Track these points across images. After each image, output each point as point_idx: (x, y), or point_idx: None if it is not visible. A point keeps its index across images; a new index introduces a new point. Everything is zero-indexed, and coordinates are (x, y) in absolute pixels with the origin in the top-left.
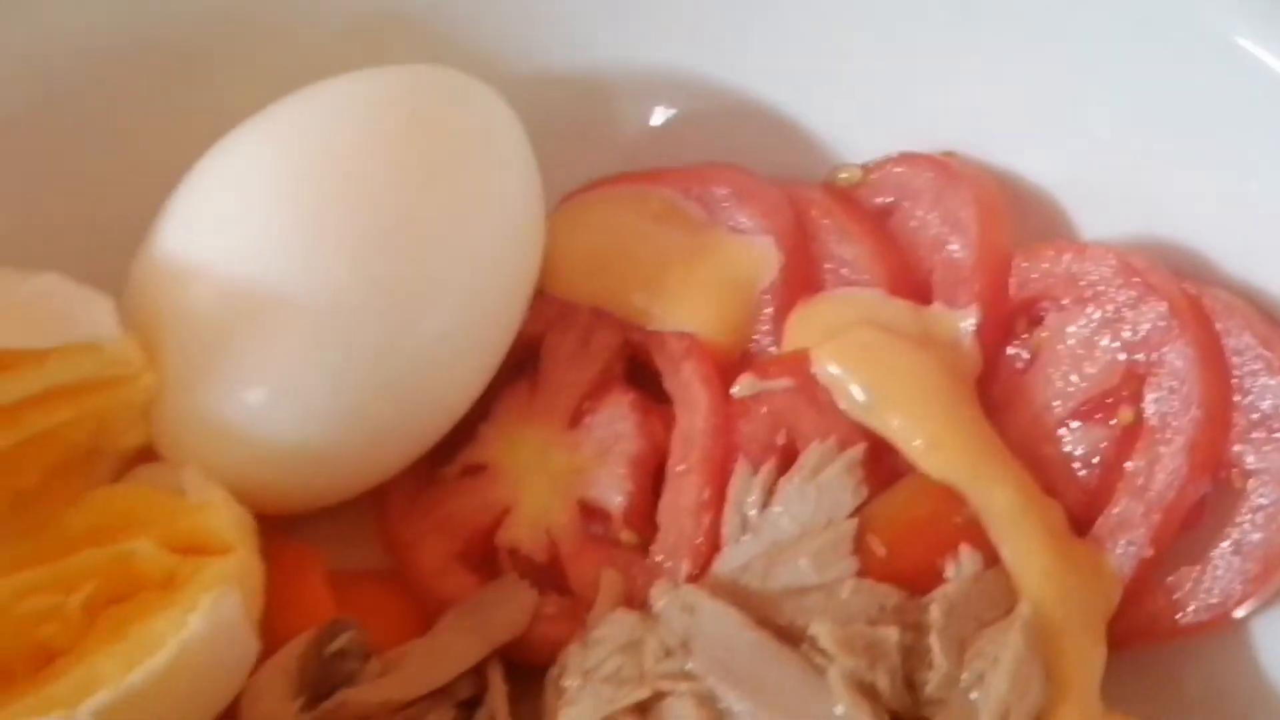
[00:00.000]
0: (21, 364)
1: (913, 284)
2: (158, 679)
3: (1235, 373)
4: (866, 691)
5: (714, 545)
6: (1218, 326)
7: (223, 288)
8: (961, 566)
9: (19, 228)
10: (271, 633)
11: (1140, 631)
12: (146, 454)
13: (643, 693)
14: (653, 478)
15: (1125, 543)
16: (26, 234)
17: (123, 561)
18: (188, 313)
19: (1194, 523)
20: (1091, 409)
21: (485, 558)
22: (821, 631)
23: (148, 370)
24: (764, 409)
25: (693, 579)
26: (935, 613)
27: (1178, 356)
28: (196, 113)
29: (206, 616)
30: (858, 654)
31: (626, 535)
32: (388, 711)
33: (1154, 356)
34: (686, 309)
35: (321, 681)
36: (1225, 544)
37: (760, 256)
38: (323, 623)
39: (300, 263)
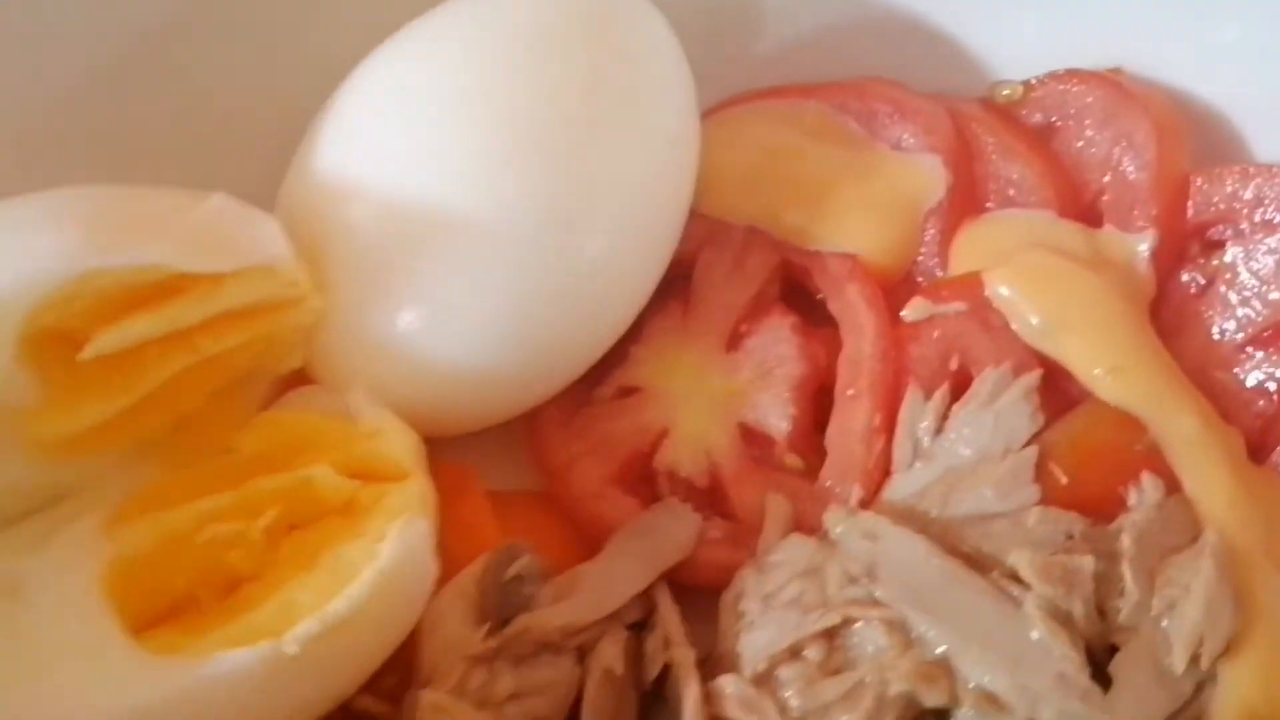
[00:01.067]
0: (197, 288)
1: (1079, 206)
2: (356, 607)
3: None
4: (1062, 619)
5: (884, 471)
6: None
7: (385, 205)
8: (1145, 494)
9: (169, 145)
10: (439, 555)
11: None
12: (296, 378)
13: (832, 619)
14: (815, 402)
15: None
16: (176, 152)
17: (303, 487)
18: (348, 232)
19: None
20: (1269, 336)
21: (642, 480)
22: (1021, 560)
23: (315, 293)
24: (936, 333)
25: (863, 505)
26: (1126, 540)
27: None
28: (349, 19)
29: (396, 545)
30: (1055, 582)
31: (791, 460)
32: (566, 635)
33: None
34: (848, 229)
35: (501, 606)
36: None
37: (926, 176)
38: (497, 547)
39: (469, 180)
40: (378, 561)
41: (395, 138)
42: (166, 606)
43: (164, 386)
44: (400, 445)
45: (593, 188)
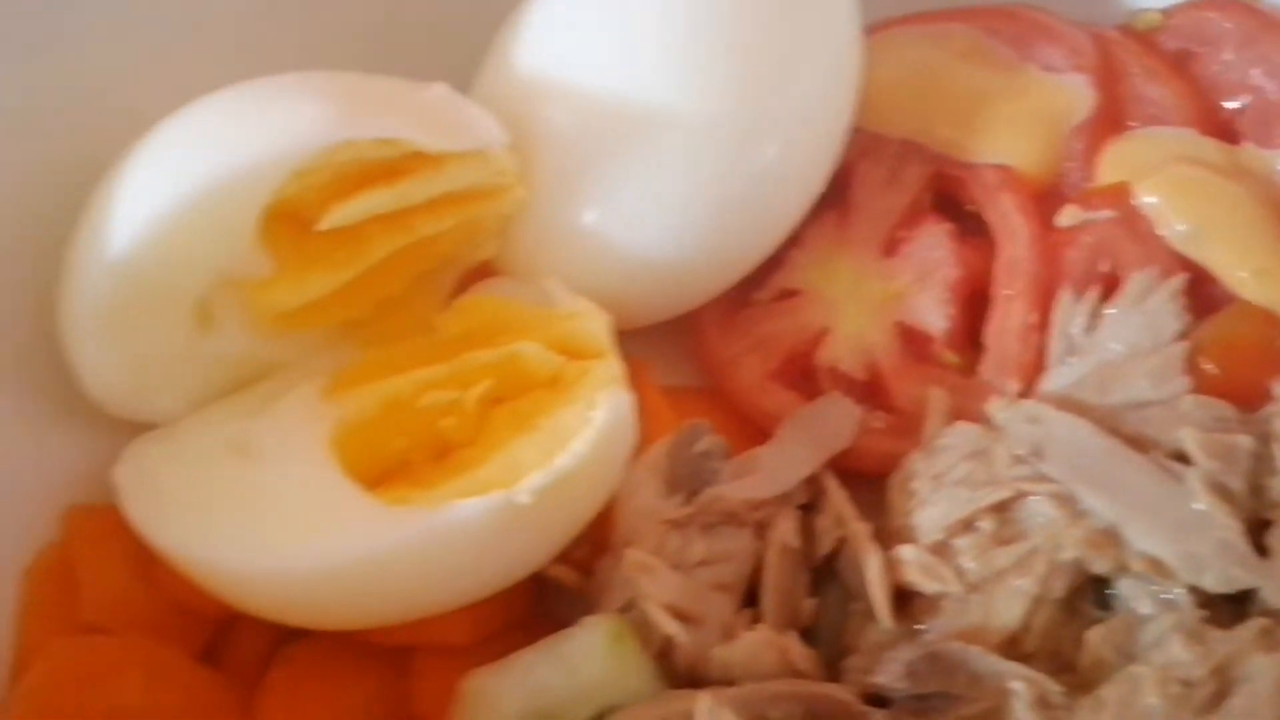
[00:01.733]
0: (421, 168)
1: (1218, 125)
2: (578, 463)
3: None
4: (1223, 492)
5: (1038, 367)
6: None
7: (582, 101)
8: None
9: (359, 37)
10: None
11: None
12: (481, 271)
13: (1003, 493)
14: (969, 304)
15: None
16: (368, 42)
17: (512, 361)
18: (546, 126)
19: None
20: None
21: (802, 376)
22: (1187, 437)
23: (520, 182)
24: (1087, 238)
25: (1020, 397)
26: (1278, 424)
27: None
28: None
29: (607, 411)
30: (1217, 457)
31: (948, 356)
32: (748, 509)
33: None
34: (1000, 142)
35: (689, 479)
36: None
37: (1073, 94)
38: (682, 427)
39: (666, 78)
40: (593, 424)
41: (595, 36)
42: (383, 469)
43: (375, 267)
44: (597, 325)
45: (776, 91)
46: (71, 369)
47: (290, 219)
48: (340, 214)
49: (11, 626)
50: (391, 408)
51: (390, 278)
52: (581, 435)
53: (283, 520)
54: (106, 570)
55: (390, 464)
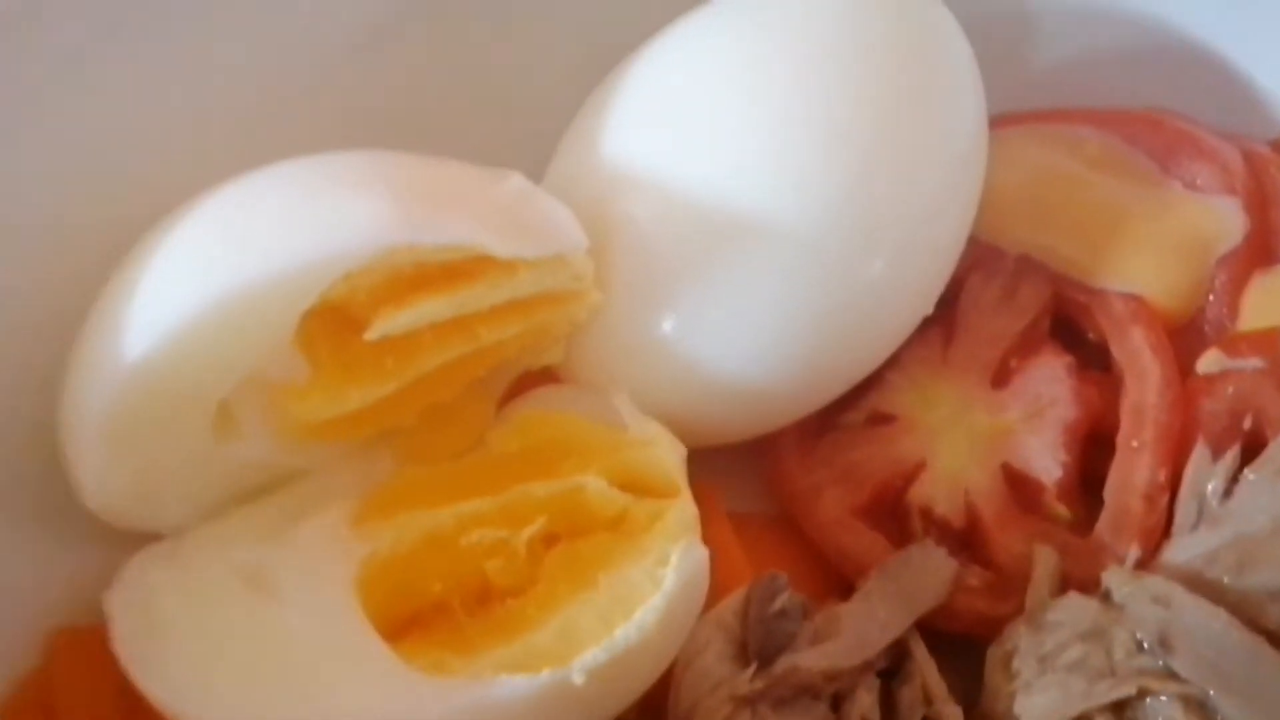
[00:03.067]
0: (488, 273)
1: None
2: (641, 638)
3: None
4: None
5: (1163, 532)
6: None
7: (669, 201)
8: None
9: (424, 122)
10: None
11: None
12: (538, 376)
13: (1126, 689)
14: (1085, 448)
15: None
16: (432, 127)
17: (572, 497)
18: (625, 226)
19: None
20: None
21: (891, 514)
22: None
23: (595, 288)
24: (1229, 389)
25: (1140, 566)
26: None
27: None
28: None
29: (680, 571)
30: None
31: (1060, 510)
32: (828, 679)
33: None
34: (1133, 268)
35: (763, 643)
36: None
37: (1221, 219)
38: (758, 577)
39: (764, 182)
40: (662, 587)
41: (686, 128)
42: (414, 612)
43: (425, 375)
44: (672, 458)
45: (888, 202)
46: (69, 475)
47: (334, 320)
48: (392, 323)
49: None
50: (430, 544)
51: (441, 386)
52: (649, 602)
53: (295, 679)
54: (93, 706)
55: (424, 608)
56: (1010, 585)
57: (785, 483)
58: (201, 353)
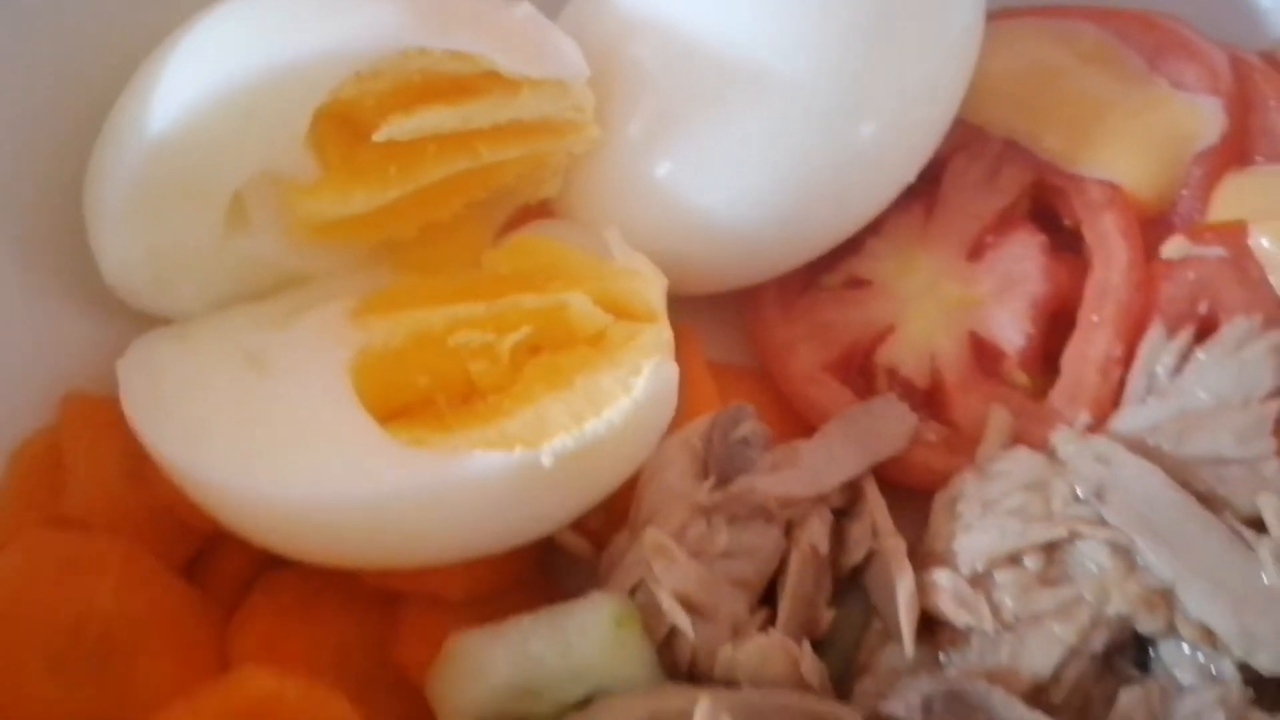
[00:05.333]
0: (493, 90)
1: None
2: (608, 434)
3: None
4: None
5: (1113, 403)
6: None
7: (677, 47)
8: None
9: None
10: None
11: None
12: (536, 210)
13: (1057, 532)
14: (1050, 324)
15: None
16: None
17: (557, 312)
18: (633, 68)
19: None
20: None
21: (859, 372)
22: (1268, 504)
23: (594, 121)
24: (1190, 274)
25: (1090, 431)
26: None
27: None
28: None
29: (650, 381)
30: None
31: (1020, 378)
32: (781, 505)
33: None
34: (1113, 158)
35: (723, 464)
36: None
37: (1202, 117)
38: (724, 407)
39: (770, 37)
40: (632, 394)
41: None
42: (402, 404)
43: (427, 188)
44: (653, 288)
45: (885, 67)
46: (93, 251)
47: (344, 123)
48: (399, 127)
49: None
50: (420, 341)
51: (441, 202)
52: (618, 403)
53: (288, 443)
54: (97, 465)
55: (411, 401)
56: (965, 442)
57: (763, 336)
58: (217, 138)
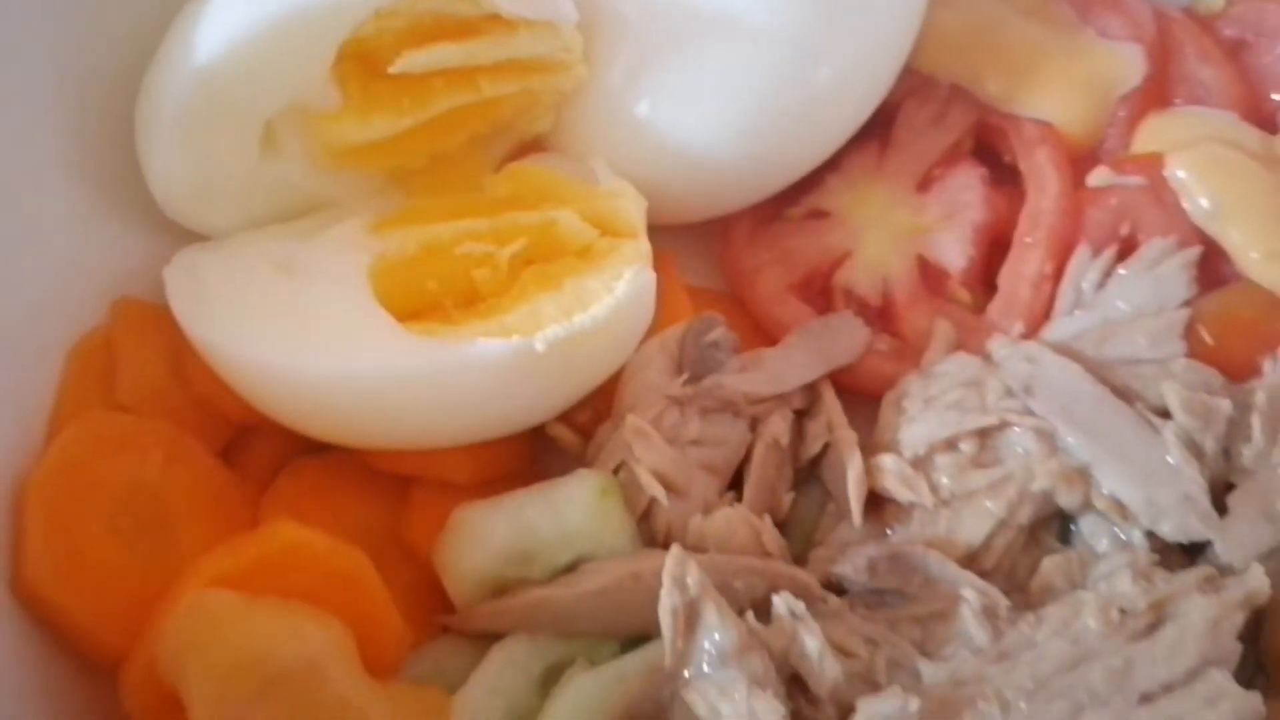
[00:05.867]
0: (493, 30)
1: (1260, 115)
2: (593, 326)
3: None
4: (1195, 450)
5: (1045, 315)
6: None
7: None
8: None
9: None
10: None
11: None
12: (534, 146)
13: (989, 420)
14: (990, 248)
15: None
16: None
17: (549, 227)
18: (615, 12)
19: None
20: None
21: (819, 293)
22: (1169, 391)
23: (582, 61)
24: (1113, 200)
25: (1023, 339)
26: (1260, 396)
27: None
28: None
29: (630, 284)
30: (1194, 416)
31: (962, 295)
32: (746, 401)
33: None
34: (1047, 99)
35: (696, 364)
36: None
37: (1126, 63)
38: (697, 316)
39: None
40: (615, 294)
41: None
42: (414, 307)
43: (434, 120)
44: (633, 206)
45: (837, 21)
46: (143, 171)
47: (363, 60)
48: (411, 61)
49: (53, 398)
50: (430, 251)
51: (448, 132)
52: (602, 301)
53: (313, 331)
54: (145, 359)
55: (421, 304)
56: (912, 351)
57: (734, 262)
58: (253, 70)
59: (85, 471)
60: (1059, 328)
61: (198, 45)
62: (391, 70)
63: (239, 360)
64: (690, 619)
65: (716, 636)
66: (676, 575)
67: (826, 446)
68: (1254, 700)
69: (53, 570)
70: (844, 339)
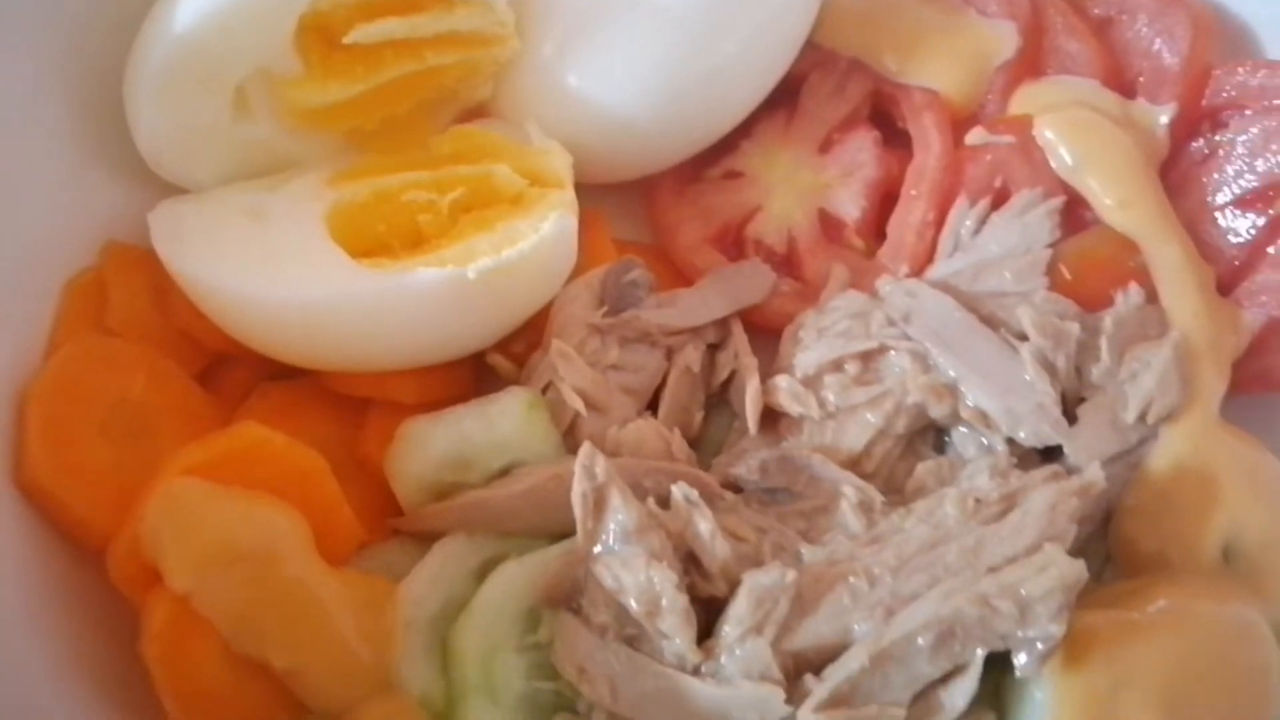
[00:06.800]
0: (434, 7)
1: (1120, 83)
2: (520, 260)
3: None
4: (1048, 367)
5: (929, 258)
6: None
7: None
8: (1129, 296)
9: None
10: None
11: (1256, 379)
12: (477, 112)
13: (870, 344)
14: (882, 202)
15: (1261, 302)
16: None
17: (486, 178)
18: None
19: None
20: (1252, 200)
21: (733, 244)
22: (1025, 316)
23: (514, 35)
24: (988, 157)
25: (908, 279)
26: (1108, 322)
27: None
28: None
29: (554, 226)
30: (1047, 337)
31: (856, 242)
32: (661, 333)
33: None
34: (933, 70)
35: (617, 300)
36: None
37: (1001, 38)
38: (619, 258)
39: None
40: (540, 233)
41: None
42: (366, 247)
43: (387, 85)
44: (561, 162)
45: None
46: (130, 129)
47: (321, 32)
48: (363, 32)
49: (50, 324)
50: (380, 198)
51: (398, 98)
52: (529, 239)
53: (277, 265)
54: (131, 293)
55: (372, 244)
56: (813, 293)
57: (658, 217)
58: (224, 38)
59: (78, 384)
60: (939, 268)
61: (177, 15)
62: (345, 41)
63: (214, 290)
64: (599, 503)
65: (620, 517)
66: (586, 465)
67: (733, 373)
68: (1078, 566)
69: (49, 464)
70: (752, 282)
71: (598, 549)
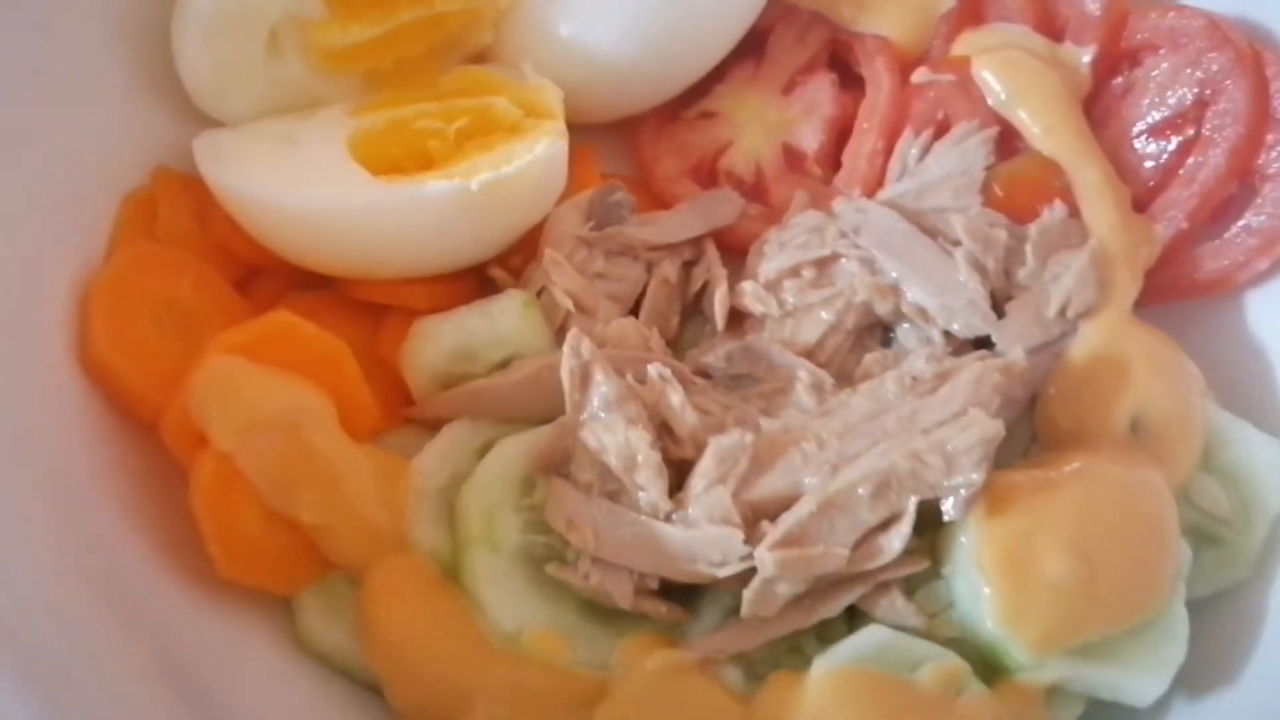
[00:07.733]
0: None
1: (1050, 29)
2: (517, 175)
3: (1274, 109)
4: (979, 268)
5: (879, 183)
6: (1268, 72)
7: None
8: (1054, 211)
9: None
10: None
11: (1167, 287)
12: (479, 57)
13: (824, 252)
14: (839, 136)
15: (1170, 216)
16: None
17: (487, 109)
18: None
19: (1221, 217)
20: (1164, 128)
21: (707, 176)
22: (957, 222)
23: None
24: (931, 93)
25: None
26: (1033, 230)
27: (1234, 87)
28: None
29: (546, 148)
30: (977, 241)
31: (816, 170)
32: (643, 247)
33: (1217, 88)
34: (884, 19)
35: (603, 217)
36: (1238, 224)
37: None
38: (604, 182)
39: None
40: (534, 153)
41: None
42: (384, 168)
43: (400, 30)
44: (553, 96)
45: None
46: (177, 67)
47: None
48: None
49: (110, 232)
50: (395, 126)
51: (410, 40)
52: (525, 158)
53: (305, 178)
54: (178, 210)
55: (387, 165)
56: (777, 216)
57: (641, 153)
58: None
59: (134, 282)
60: (888, 191)
61: None
62: None
63: (249, 201)
64: (584, 377)
65: (603, 389)
66: (574, 345)
67: (706, 284)
68: (996, 424)
69: (110, 344)
70: (724, 207)
71: (583, 417)
